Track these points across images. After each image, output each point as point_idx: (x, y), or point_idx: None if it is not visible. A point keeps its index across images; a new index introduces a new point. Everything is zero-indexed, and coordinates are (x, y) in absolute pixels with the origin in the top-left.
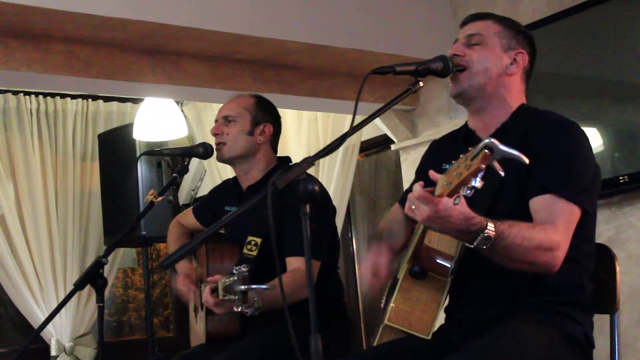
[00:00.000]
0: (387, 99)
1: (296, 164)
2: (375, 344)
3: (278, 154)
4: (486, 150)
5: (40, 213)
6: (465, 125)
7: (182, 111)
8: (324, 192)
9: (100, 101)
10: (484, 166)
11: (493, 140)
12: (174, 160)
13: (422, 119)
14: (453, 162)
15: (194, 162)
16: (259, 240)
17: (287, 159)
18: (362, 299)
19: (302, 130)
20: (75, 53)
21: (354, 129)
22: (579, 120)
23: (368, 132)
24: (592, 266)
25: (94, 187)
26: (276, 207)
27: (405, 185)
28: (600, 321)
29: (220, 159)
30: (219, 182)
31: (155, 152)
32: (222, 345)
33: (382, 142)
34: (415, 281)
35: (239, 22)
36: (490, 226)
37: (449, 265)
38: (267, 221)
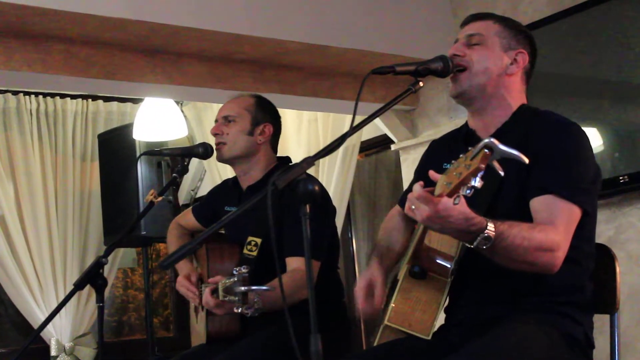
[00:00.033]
0: (387, 99)
1: (296, 164)
2: (375, 344)
3: (278, 154)
4: (486, 150)
5: (40, 213)
6: (466, 125)
7: (182, 111)
8: (324, 192)
9: (100, 101)
10: (483, 166)
11: (493, 139)
12: (173, 160)
13: (422, 119)
14: (453, 161)
15: (194, 162)
16: (259, 240)
17: (287, 159)
18: None
19: (302, 130)
20: (75, 53)
21: (354, 129)
22: (579, 120)
23: (368, 132)
24: (592, 266)
25: (93, 187)
26: (276, 207)
27: (405, 185)
28: (600, 321)
29: (220, 159)
30: (218, 182)
31: (155, 152)
32: (222, 345)
33: (382, 142)
34: (416, 281)
35: (239, 22)
36: (490, 226)
37: (449, 266)
38: (267, 221)
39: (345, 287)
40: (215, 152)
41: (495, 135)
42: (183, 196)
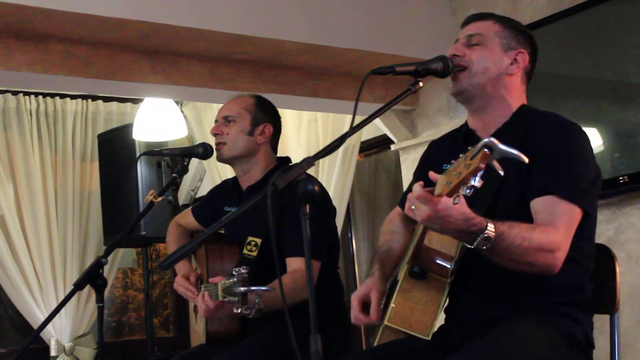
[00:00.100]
0: (387, 99)
1: (296, 164)
2: (375, 344)
3: (278, 154)
4: (485, 150)
5: (40, 213)
6: (465, 125)
7: (182, 111)
8: (323, 192)
9: (100, 101)
10: (483, 165)
11: (492, 139)
12: (173, 160)
13: (421, 119)
14: (453, 161)
15: (194, 162)
16: (259, 240)
17: (287, 159)
18: None
19: (302, 131)
20: (75, 53)
21: (353, 129)
22: (579, 121)
23: (368, 132)
24: (592, 266)
25: (93, 187)
26: (276, 207)
27: (405, 186)
28: (600, 321)
29: (220, 159)
30: (218, 182)
31: (155, 153)
32: (222, 345)
33: (382, 143)
34: (415, 282)
35: (239, 22)
36: (490, 227)
37: (449, 266)
38: (267, 221)
39: (345, 287)
40: (215, 152)
41: (495, 135)
42: (183, 196)
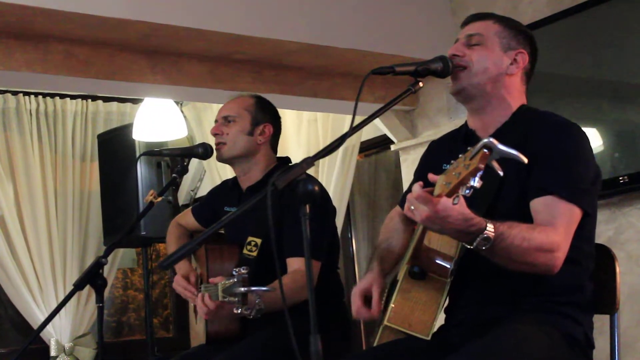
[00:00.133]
0: (387, 100)
1: (296, 165)
2: (375, 344)
3: (278, 154)
4: (485, 150)
5: (40, 213)
6: (465, 125)
7: (182, 111)
8: (323, 192)
9: (100, 101)
10: (482, 166)
11: (492, 139)
12: (173, 160)
13: (421, 120)
14: (452, 161)
15: (194, 162)
16: (259, 240)
17: (287, 159)
18: None
19: (302, 131)
20: (75, 53)
21: (353, 129)
22: (579, 121)
23: (368, 133)
24: (592, 266)
25: (93, 187)
26: (276, 207)
27: (405, 186)
28: (600, 321)
29: (220, 159)
30: (218, 182)
31: (155, 153)
32: (222, 345)
33: (382, 143)
34: (415, 282)
35: (239, 22)
36: (490, 227)
37: (448, 266)
38: (267, 222)
39: (345, 287)
40: (215, 152)
41: (494, 135)
42: (183, 196)
